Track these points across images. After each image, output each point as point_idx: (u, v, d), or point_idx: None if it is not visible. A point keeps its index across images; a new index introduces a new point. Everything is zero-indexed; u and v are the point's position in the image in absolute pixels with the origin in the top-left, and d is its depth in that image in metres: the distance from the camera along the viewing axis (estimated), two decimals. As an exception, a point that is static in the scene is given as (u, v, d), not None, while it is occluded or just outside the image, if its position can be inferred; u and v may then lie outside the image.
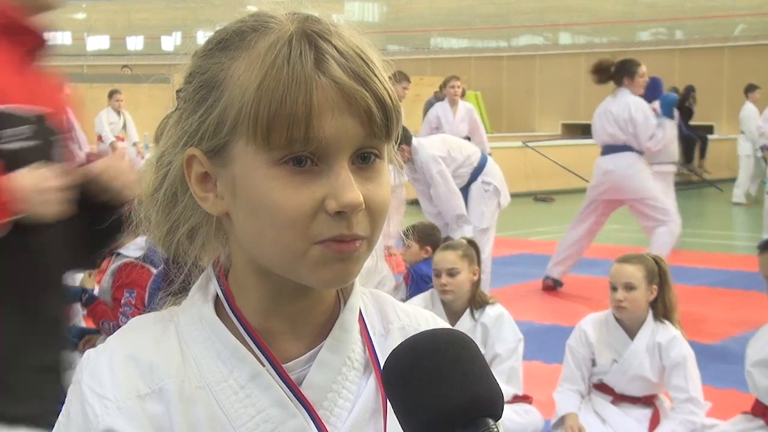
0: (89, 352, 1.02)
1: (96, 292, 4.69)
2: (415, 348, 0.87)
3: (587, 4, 21.80)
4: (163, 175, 1.03)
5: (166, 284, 1.08)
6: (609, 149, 7.56)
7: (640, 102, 7.39)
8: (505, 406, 0.87)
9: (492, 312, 4.22)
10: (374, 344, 1.05)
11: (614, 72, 7.35)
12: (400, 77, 9.58)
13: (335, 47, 0.94)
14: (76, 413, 0.98)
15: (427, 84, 18.12)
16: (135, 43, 25.60)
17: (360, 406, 1.01)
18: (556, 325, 6.55)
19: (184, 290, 1.06)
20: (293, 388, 0.99)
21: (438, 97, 12.14)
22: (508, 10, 22.49)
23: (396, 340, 1.06)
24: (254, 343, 1.00)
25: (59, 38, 24.93)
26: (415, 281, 5.27)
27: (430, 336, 0.88)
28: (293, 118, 0.90)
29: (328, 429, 0.99)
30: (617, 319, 4.18)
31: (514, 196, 14.17)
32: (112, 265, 4.46)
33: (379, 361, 1.03)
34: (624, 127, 7.41)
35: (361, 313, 1.06)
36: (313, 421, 0.98)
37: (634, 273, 4.08)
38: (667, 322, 4.13)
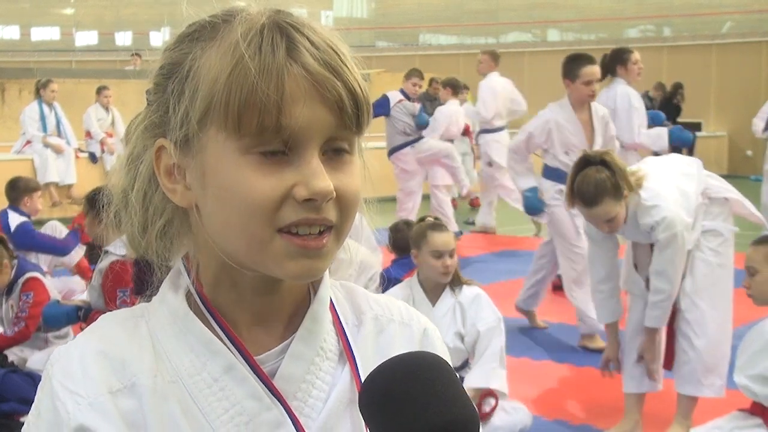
0: (59, 349, 1.01)
1: (86, 293, 4.66)
2: (391, 372, 0.87)
3: (575, 1, 21.80)
4: (134, 172, 1.03)
5: (136, 284, 1.08)
6: None
7: (628, 91, 6.94)
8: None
9: (469, 292, 4.21)
10: (347, 335, 1.05)
11: (608, 62, 6.95)
12: (411, 73, 9.65)
13: (307, 38, 0.94)
14: (46, 410, 0.97)
15: (415, 80, 18.07)
16: (124, 38, 25.47)
17: (335, 397, 1.01)
18: (546, 323, 6.56)
19: (151, 287, 1.06)
20: (266, 381, 0.99)
21: (429, 96, 12.15)
22: (496, 7, 22.47)
23: (369, 330, 1.07)
24: (226, 335, 1.00)
25: (49, 33, 24.87)
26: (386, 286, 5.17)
27: (406, 360, 0.88)
28: (264, 106, 0.91)
29: (301, 420, 0.99)
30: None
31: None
32: (101, 263, 4.44)
33: (353, 351, 1.04)
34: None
35: (333, 304, 1.06)
36: (287, 413, 0.98)
37: None
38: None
